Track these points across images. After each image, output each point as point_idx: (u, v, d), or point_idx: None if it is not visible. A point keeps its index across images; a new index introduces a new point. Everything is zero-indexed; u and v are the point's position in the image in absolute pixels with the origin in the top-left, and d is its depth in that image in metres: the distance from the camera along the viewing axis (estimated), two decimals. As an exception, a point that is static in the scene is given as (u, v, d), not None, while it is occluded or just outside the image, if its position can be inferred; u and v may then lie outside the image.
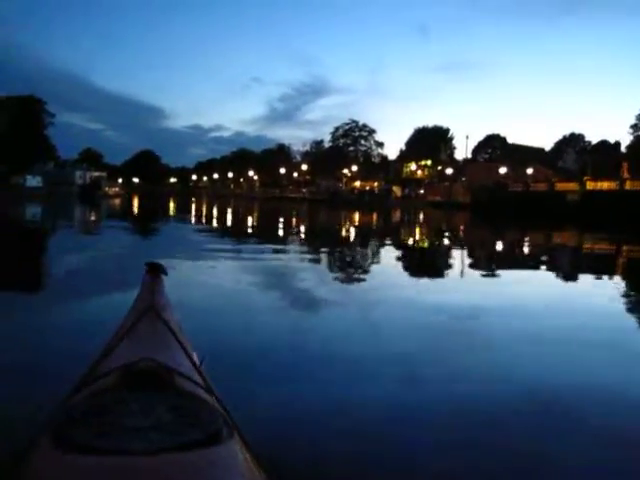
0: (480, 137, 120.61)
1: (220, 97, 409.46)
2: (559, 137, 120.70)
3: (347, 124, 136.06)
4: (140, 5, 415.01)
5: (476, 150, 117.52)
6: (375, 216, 49.03)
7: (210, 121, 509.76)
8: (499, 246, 22.73)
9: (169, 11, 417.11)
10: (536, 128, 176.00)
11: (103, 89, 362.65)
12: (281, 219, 37.41)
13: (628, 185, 47.32)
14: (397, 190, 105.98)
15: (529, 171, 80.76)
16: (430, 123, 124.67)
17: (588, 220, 39.09)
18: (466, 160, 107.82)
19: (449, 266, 14.88)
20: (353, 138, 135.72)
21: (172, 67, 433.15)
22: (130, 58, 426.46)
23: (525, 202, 52.53)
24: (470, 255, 18.52)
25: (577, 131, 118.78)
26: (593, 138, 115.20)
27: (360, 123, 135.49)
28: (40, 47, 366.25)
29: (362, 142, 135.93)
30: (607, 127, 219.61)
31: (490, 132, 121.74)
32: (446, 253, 19.10)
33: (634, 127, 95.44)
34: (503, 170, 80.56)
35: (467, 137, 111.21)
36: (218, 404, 1.84)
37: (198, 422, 1.58)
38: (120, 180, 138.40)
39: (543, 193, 54.34)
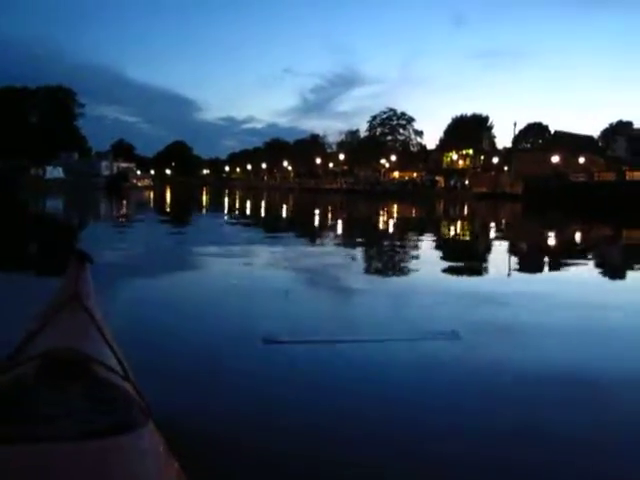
0: (520, 126, 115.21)
1: (252, 89, 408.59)
2: (604, 125, 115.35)
3: (385, 112, 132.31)
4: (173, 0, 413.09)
5: (517, 139, 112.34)
6: (421, 209, 44.70)
7: (242, 113, 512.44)
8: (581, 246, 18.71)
9: (202, 3, 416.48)
10: (579, 116, 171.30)
11: (137, 82, 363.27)
12: (319, 212, 34.92)
13: None
14: (440, 180, 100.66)
15: (581, 160, 76.11)
16: (467, 112, 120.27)
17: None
18: (510, 149, 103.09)
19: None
20: (391, 127, 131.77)
21: (205, 59, 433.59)
22: (163, 51, 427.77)
23: (590, 193, 47.58)
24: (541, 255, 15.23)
25: (625, 118, 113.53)
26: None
27: (398, 111, 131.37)
28: (75, 41, 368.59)
29: (400, 131, 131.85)
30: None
31: (530, 120, 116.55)
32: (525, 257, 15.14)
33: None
34: (555, 159, 75.61)
35: (515, 124, 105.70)
36: (135, 392, 1.83)
37: (112, 410, 1.60)
38: (152, 172, 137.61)
39: (612, 183, 49.26)
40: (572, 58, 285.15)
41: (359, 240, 17.69)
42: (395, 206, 46.30)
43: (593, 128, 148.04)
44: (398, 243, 17.27)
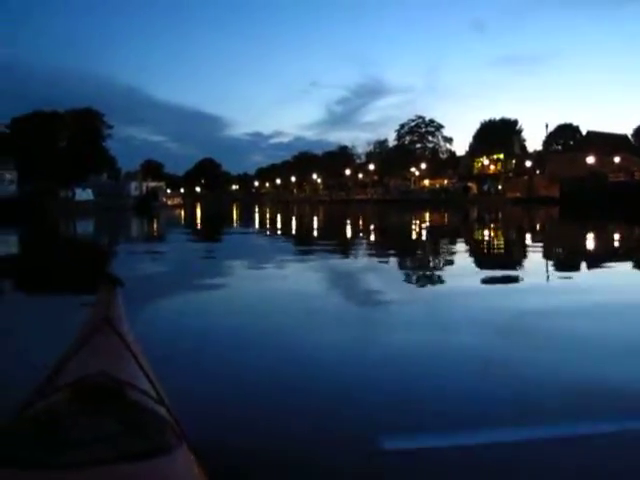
0: (550, 128, 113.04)
1: (278, 103, 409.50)
2: (637, 123, 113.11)
3: (413, 120, 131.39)
4: (197, 17, 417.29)
5: (548, 141, 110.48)
6: (457, 217, 43.40)
7: (269, 127, 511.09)
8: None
9: (226, 21, 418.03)
10: (610, 116, 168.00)
11: (164, 101, 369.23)
12: (350, 227, 33.22)
13: None
14: (473, 187, 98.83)
15: (616, 160, 74.32)
16: (495, 117, 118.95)
17: None
18: (541, 152, 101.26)
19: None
20: (420, 135, 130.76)
21: (231, 77, 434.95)
22: (189, 69, 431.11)
23: (633, 194, 45.90)
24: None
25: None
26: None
27: (427, 118, 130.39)
28: (102, 63, 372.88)
29: (429, 138, 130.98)
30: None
31: (560, 122, 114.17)
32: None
33: None
34: (591, 160, 73.83)
35: (547, 125, 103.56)
36: (168, 415, 1.86)
37: (145, 433, 1.62)
38: (182, 189, 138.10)
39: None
40: (596, 58, 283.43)
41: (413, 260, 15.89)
42: (429, 215, 45.17)
43: (625, 127, 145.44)
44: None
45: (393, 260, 15.00)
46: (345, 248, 18.39)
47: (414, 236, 24.84)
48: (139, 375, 2.05)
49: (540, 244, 20.12)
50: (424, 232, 27.33)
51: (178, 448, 1.62)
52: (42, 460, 1.44)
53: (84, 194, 67.98)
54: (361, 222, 37.54)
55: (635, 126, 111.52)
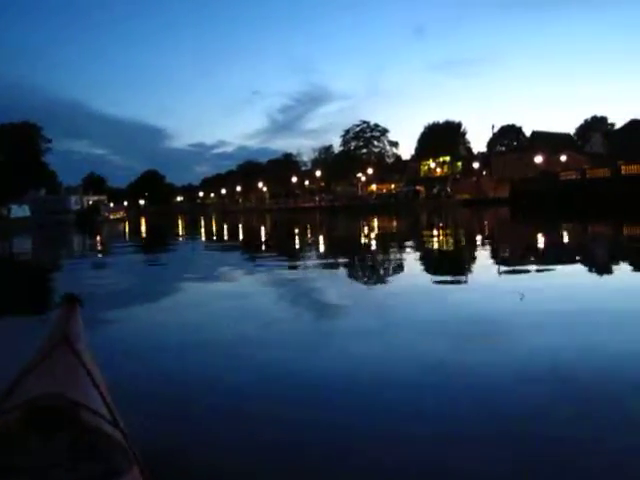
0: (490, 131, 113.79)
1: (221, 113, 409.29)
2: (576, 123, 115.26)
3: (358, 125, 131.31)
4: (136, 28, 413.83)
5: (491, 143, 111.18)
6: (408, 222, 42.40)
7: (213, 138, 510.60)
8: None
9: (165, 33, 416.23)
10: (552, 116, 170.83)
11: (105, 114, 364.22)
12: (298, 233, 32.48)
13: None
14: (422, 190, 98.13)
15: (562, 158, 74.85)
16: (438, 121, 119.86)
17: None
18: (487, 153, 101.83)
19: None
20: (365, 140, 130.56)
21: (172, 88, 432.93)
22: (131, 82, 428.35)
23: (585, 192, 45.56)
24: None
25: (599, 114, 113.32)
26: (616, 120, 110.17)
27: (371, 123, 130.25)
28: (39, 76, 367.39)
29: (375, 143, 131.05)
30: (629, 107, 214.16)
31: (503, 124, 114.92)
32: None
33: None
34: (539, 159, 73.95)
35: (493, 126, 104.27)
36: (122, 438, 1.85)
37: (97, 458, 1.62)
38: (126, 203, 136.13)
39: (606, 179, 47.20)
40: (535, 60, 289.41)
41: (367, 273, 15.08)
42: (379, 221, 43.94)
43: (567, 127, 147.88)
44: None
45: (343, 270, 14.20)
46: (293, 258, 17.58)
47: (365, 244, 23.70)
48: (95, 396, 2.00)
49: (494, 246, 19.53)
50: (375, 239, 26.18)
51: (129, 473, 1.59)
52: None
53: (20, 211, 65.34)
54: (309, 230, 36.56)
55: (577, 125, 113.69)
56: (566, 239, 21.19)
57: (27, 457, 1.56)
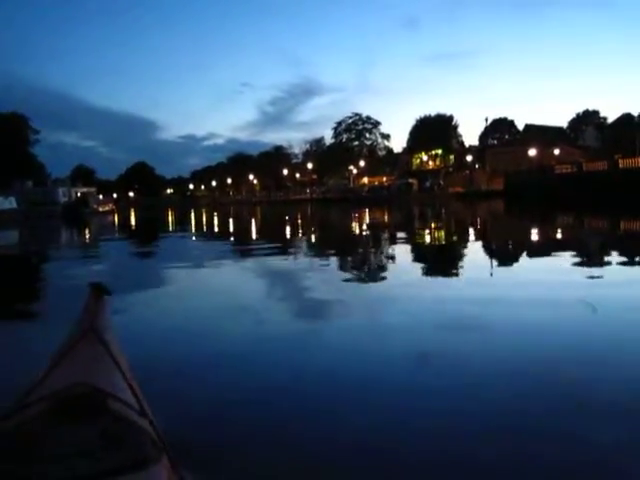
0: (483, 123, 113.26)
1: (211, 105, 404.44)
2: (568, 116, 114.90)
3: (350, 118, 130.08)
4: (126, 21, 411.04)
5: (483, 136, 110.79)
6: (402, 215, 41.70)
7: (203, 130, 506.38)
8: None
9: (155, 23, 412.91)
10: (544, 110, 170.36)
11: (95, 106, 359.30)
12: (289, 228, 31.61)
13: None
14: (414, 183, 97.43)
15: (556, 152, 74.46)
16: (430, 114, 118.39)
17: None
18: (479, 147, 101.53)
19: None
20: (357, 132, 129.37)
21: (162, 79, 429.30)
22: (120, 73, 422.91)
23: (580, 185, 45.05)
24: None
25: (590, 108, 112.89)
26: (608, 114, 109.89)
27: (363, 115, 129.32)
28: (29, 68, 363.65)
29: (367, 135, 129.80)
30: (620, 101, 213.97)
31: (495, 117, 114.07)
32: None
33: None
34: (533, 152, 73.45)
35: (486, 119, 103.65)
36: (150, 427, 1.85)
37: (126, 447, 1.62)
38: (115, 195, 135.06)
39: (603, 172, 46.70)
40: (526, 54, 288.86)
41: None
42: (372, 214, 43.40)
43: (559, 120, 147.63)
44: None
45: (334, 263, 14.09)
46: (284, 250, 17.43)
47: (356, 237, 23.31)
48: (123, 386, 2.01)
49: (491, 239, 19.55)
50: (366, 232, 25.80)
51: (158, 462, 1.60)
52: (21, 475, 1.42)
53: (6, 203, 64.10)
54: (300, 223, 36.25)
55: (569, 119, 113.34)
56: (562, 235, 20.59)
57: (56, 447, 1.55)
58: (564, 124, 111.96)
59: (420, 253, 15.93)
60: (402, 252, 15.88)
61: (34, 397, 1.86)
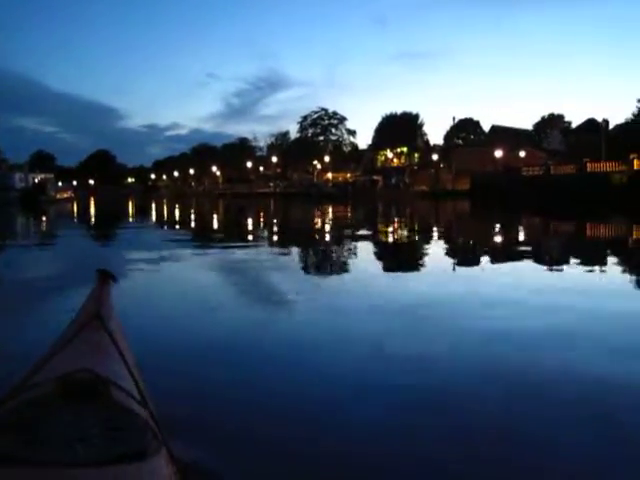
0: (451, 122, 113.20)
1: (176, 95, 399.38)
2: (535, 119, 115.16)
3: (316, 112, 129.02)
4: (91, 6, 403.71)
5: (449, 135, 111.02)
6: (366, 211, 41.78)
7: (166, 120, 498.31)
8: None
9: (121, 11, 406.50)
10: (509, 112, 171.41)
11: (57, 91, 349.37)
12: (253, 221, 31.61)
13: None
14: (379, 180, 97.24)
15: (522, 154, 74.66)
16: (396, 112, 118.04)
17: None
18: (445, 146, 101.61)
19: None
20: (323, 127, 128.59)
21: (127, 67, 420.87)
22: (84, 59, 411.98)
23: (548, 188, 44.95)
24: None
25: (556, 112, 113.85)
26: (572, 118, 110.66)
27: (330, 110, 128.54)
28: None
29: (332, 131, 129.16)
30: (583, 105, 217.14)
31: (460, 117, 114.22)
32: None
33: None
34: (499, 154, 73.48)
35: (454, 118, 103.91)
36: (150, 418, 1.84)
37: (126, 437, 1.62)
38: (75, 182, 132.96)
39: (572, 176, 46.73)
40: (493, 56, 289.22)
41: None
42: (337, 210, 43.36)
43: (524, 122, 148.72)
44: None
45: (294, 257, 14.46)
46: (244, 244, 17.49)
47: (317, 233, 23.24)
48: (125, 374, 2.01)
49: (455, 239, 19.80)
50: (330, 228, 25.52)
51: (158, 454, 1.59)
52: (22, 456, 1.42)
53: (-41, 188, 62.10)
54: (262, 216, 36.28)
55: (535, 121, 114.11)
56: (524, 237, 20.76)
57: (58, 431, 1.55)
58: (529, 126, 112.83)
59: (380, 251, 16.23)
60: (362, 250, 15.88)
61: (37, 380, 1.85)
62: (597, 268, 11.52)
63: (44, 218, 37.18)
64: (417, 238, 20.06)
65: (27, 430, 1.56)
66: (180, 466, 1.72)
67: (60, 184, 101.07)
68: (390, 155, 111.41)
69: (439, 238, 19.86)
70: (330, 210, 41.69)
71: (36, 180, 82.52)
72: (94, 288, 2.56)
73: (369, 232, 21.52)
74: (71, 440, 1.52)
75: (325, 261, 13.55)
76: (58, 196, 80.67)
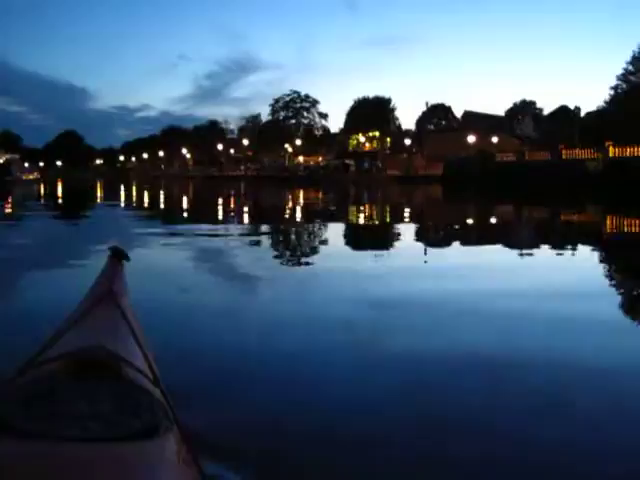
0: (422, 107, 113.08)
1: (146, 76, 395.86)
2: (507, 105, 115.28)
3: (288, 95, 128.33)
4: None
5: (421, 121, 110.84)
6: (338, 196, 41.31)
7: (136, 101, 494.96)
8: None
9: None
10: (481, 97, 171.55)
11: (24, 70, 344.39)
12: (223, 203, 31.70)
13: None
14: (352, 164, 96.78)
15: (494, 140, 74.63)
16: (368, 96, 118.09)
17: (614, 196, 32.00)
18: (417, 131, 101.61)
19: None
20: (294, 110, 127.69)
21: (96, 47, 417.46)
22: (53, 39, 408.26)
23: (522, 174, 44.68)
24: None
25: (527, 98, 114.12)
26: (544, 104, 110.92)
27: (302, 93, 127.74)
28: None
29: (304, 114, 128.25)
30: (555, 91, 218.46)
31: (432, 103, 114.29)
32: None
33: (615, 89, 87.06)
34: (472, 139, 73.32)
35: (427, 103, 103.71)
36: (162, 396, 1.85)
37: (138, 414, 1.61)
38: (42, 164, 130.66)
39: (547, 163, 46.53)
40: (467, 41, 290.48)
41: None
42: (308, 193, 43.18)
43: (497, 108, 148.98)
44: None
45: (265, 242, 14.33)
46: (215, 228, 17.42)
47: (290, 218, 22.82)
48: (137, 353, 2.01)
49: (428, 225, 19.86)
50: (301, 212, 25.26)
51: (169, 432, 1.59)
52: (35, 430, 1.42)
53: None
54: (232, 200, 35.84)
55: (507, 108, 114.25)
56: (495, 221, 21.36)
57: (70, 406, 1.55)
58: (501, 112, 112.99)
59: (351, 234, 16.53)
60: (333, 234, 16.16)
61: (50, 355, 1.84)
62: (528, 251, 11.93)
63: (9, 200, 35.86)
64: (387, 221, 20.44)
65: (39, 406, 1.53)
66: (191, 445, 1.65)
67: (26, 165, 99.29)
68: (362, 139, 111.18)
69: (409, 221, 20.24)
70: (301, 195, 41.37)
71: (1, 160, 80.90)
72: (106, 265, 2.55)
73: (340, 215, 21.64)
74: (82, 416, 1.50)
75: (292, 246, 13.66)
76: (24, 177, 79.18)
